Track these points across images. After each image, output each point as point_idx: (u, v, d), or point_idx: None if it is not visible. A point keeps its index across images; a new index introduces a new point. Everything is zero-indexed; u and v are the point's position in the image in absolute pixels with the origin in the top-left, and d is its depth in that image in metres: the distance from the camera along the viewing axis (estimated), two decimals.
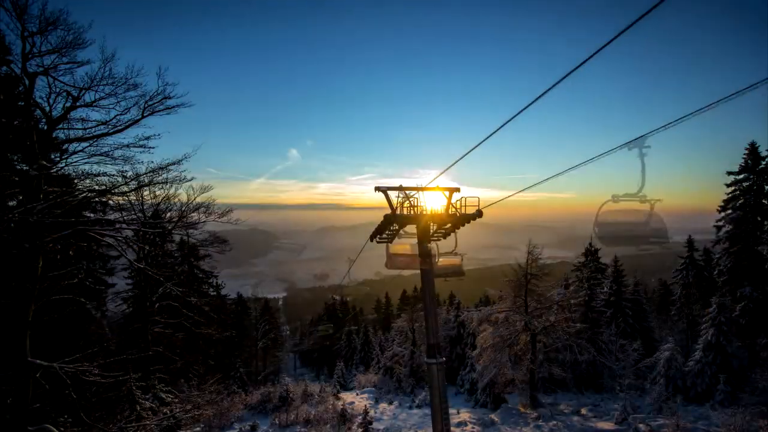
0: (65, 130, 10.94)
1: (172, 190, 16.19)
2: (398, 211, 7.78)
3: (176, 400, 17.75)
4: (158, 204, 17.93)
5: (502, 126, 5.34)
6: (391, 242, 8.67)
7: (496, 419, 17.17)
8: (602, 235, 5.43)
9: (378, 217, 8.12)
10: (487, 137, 5.59)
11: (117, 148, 11.05)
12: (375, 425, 17.69)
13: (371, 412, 19.06)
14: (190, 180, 12.55)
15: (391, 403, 24.03)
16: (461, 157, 6.68)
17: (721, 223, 21.62)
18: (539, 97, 4.65)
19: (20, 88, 10.61)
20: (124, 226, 12.19)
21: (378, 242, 8.62)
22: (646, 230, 5.33)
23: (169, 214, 17.01)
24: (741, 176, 20.59)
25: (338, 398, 24.69)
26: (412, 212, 7.78)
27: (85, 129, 10.89)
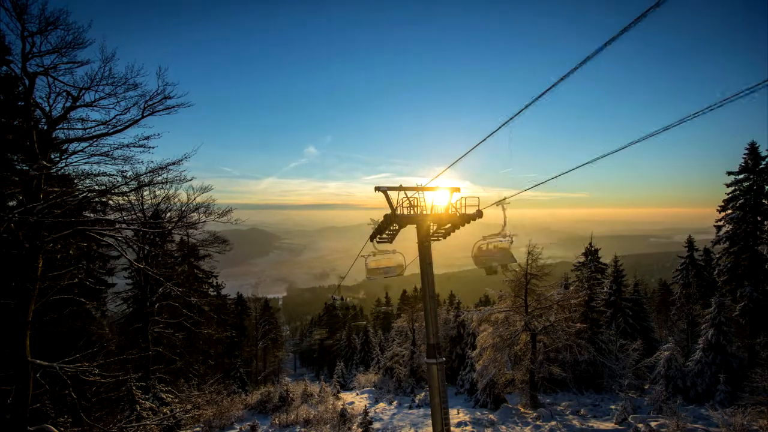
0: (65, 130, 10.94)
1: (172, 190, 16.26)
2: (399, 211, 7.78)
3: (176, 400, 17.79)
4: (158, 204, 17.97)
5: (503, 125, 5.35)
6: (391, 242, 8.68)
7: (496, 419, 17.17)
8: (478, 261, 8.17)
9: (379, 217, 8.13)
10: (488, 136, 5.60)
11: (117, 148, 11.08)
12: (375, 425, 17.68)
13: (371, 412, 19.06)
14: (190, 180, 12.58)
15: (391, 402, 24.03)
16: (461, 157, 6.70)
17: (721, 223, 21.63)
18: (540, 96, 4.65)
19: (20, 88, 10.63)
20: (124, 226, 12.20)
21: (378, 242, 8.62)
22: (502, 257, 8.08)
23: (169, 214, 17.03)
24: (741, 176, 20.61)
25: (338, 398, 24.70)
26: (412, 212, 7.78)
27: (85, 129, 10.90)
